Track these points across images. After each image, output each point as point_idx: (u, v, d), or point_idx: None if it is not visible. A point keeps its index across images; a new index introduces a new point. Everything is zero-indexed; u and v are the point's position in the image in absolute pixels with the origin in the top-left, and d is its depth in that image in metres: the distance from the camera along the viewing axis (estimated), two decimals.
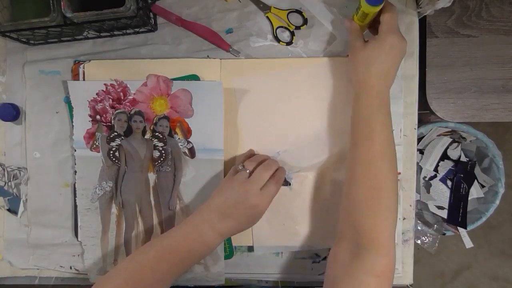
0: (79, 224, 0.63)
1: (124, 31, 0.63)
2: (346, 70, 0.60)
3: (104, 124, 0.62)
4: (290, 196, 0.62)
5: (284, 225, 0.62)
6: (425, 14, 0.63)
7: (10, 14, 0.57)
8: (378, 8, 0.53)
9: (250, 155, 0.60)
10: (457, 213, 1.04)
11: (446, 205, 1.06)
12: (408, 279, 0.63)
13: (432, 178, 1.07)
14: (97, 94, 0.61)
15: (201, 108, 0.61)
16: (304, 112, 0.62)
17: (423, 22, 0.66)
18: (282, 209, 0.62)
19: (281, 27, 0.62)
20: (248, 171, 0.54)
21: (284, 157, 0.62)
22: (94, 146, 0.62)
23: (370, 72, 0.53)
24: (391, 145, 0.52)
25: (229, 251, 0.63)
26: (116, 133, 0.62)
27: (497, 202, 1.03)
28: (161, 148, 0.62)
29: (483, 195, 1.06)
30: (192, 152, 0.62)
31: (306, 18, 0.62)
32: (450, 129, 1.04)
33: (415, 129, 0.63)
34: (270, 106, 0.62)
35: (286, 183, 0.62)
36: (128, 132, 0.62)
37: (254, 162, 0.55)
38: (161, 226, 0.63)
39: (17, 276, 0.66)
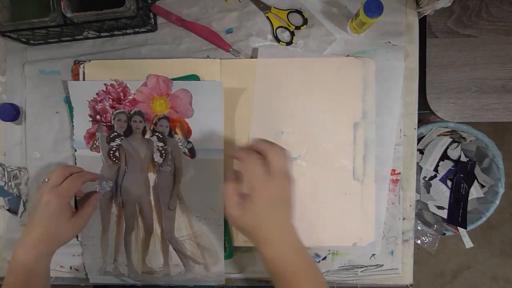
0: None
1: (124, 31, 0.63)
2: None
3: (104, 124, 0.62)
4: None
5: None
6: (425, 14, 0.63)
7: (10, 14, 0.57)
8: (376, 19, 0.53)
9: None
10: (457, 213, 1.04)
11: (446, 205, 1.06)
12: (408, 279, 0.64)
13: (432, 178, 1.07)
14: (97, 94, 0.61)
15: (201, 108, 0.61)
16: (309, 104, 0.62)
17: (423, 22, 0.66)
18: None
19: (281, 27, 0.62)
20: (47, 179, 0.55)
21: (287, 138, 0.62)
22: (94, 146, 0.62)
23: (260, 238, 0.48)
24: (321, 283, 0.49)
25: (229, 251, 0.63)
26: (116, 133, 0.62)
27: (497, 202, 1.03)
28: (161, 148, 0.62)
29: (483, 195, 1.06)
30: (192, 152, 0.62)
31: (306, 18, 0.62)
32: (450, 129, 1.04)
33: (415, 129, 0.63)
34: (283, 90, 0.62)
35: None
36: (128, 132, 0.62)
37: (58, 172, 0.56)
38: (161, 226, 0.63)
39: None
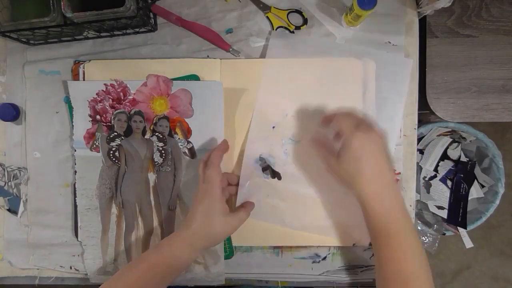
0: (79, 224, 0.63)
1: (124, 31, 0.63)
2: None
3: (104, 124, 0.62)
4: (281, 165, 0.62)
5: (268, 197, 0.62)
6: (425, 14, 0.63)
7: (10, 14, 0.57)
8: (370, 11, 0.54)
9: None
10: (457, 213, 1.04)
11: (446, 205, 1.06)
12: None
13: (432, 178, 1.07)
14: (97, 94, 0.61)
15: (201, 108, 0.61)
16: (309, 104, 0.62)
17: (423, 22, 0.66)
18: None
19: (281, 27, 0.62)
20: None
21: (291, 120, 0.62)
22: (94, 146, 0.62)
23: (361, 185, 0.50)
24: (419, 244, 0.50)
25: (229, 251, 0.63)
26: (116, 133, 0.62)
27: (497, 202, 1.03)
28: (161, 148, 0.62)
29: (483, 195, 1.06)
30: (192, 152, 0.62)
31: (306, 18, 0.62)
32: (450, 129, 1.04)
33: (415, 129, 0.63)
34: (283, 91, 0.62)
35: (274, 174, 0.62)
36: (128, 132, 0.62)
37: None
38: (161, 226, 0.63)
39: (17, 276, 0.66)
